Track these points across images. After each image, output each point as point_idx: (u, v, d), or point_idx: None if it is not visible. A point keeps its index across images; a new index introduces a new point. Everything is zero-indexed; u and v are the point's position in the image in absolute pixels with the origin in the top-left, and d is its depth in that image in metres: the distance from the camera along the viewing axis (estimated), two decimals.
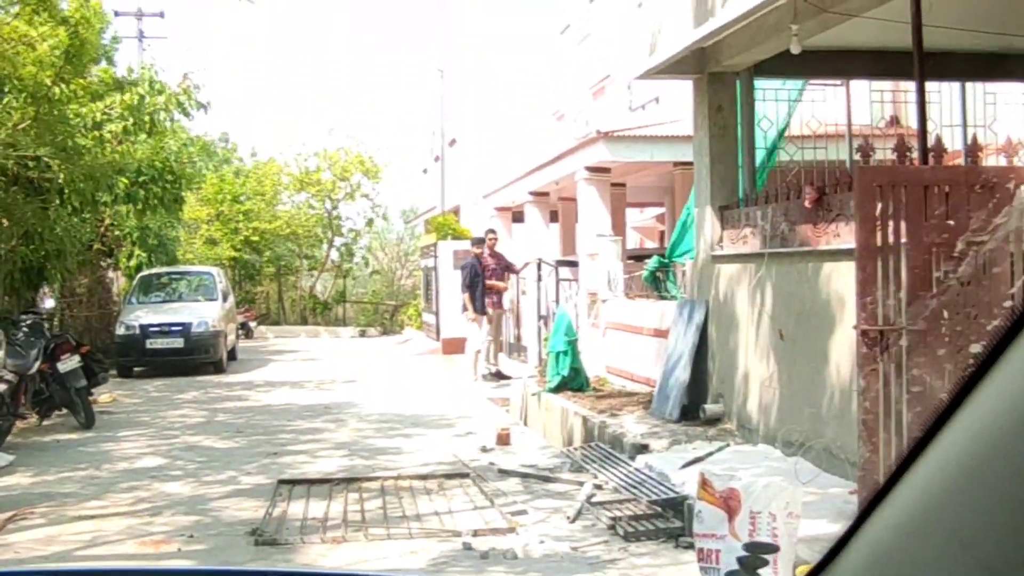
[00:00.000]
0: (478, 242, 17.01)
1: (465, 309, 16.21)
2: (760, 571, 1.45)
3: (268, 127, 79.71)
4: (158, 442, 10.99)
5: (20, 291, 16.29)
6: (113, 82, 14.13)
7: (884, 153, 7.79)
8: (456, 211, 28.92)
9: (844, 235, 6.96)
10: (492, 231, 17.31)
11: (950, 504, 0.98)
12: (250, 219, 33.60)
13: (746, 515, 4.69)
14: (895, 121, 11.17)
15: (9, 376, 10.64)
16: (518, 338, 17.67)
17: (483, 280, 16.17)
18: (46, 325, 12.95)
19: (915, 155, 6.65)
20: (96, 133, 13.39)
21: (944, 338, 5.26)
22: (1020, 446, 0.89)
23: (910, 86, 10.39)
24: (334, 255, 36.82)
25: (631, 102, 19.88)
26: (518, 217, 22.52)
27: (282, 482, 8.38)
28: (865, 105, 10.26)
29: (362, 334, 31.16)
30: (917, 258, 5.33)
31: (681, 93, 11.92)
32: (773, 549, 1.43)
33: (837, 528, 5.48)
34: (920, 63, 6.46)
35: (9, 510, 7.60)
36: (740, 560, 1.46)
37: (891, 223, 5.41)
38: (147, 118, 14.60)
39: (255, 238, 33.58)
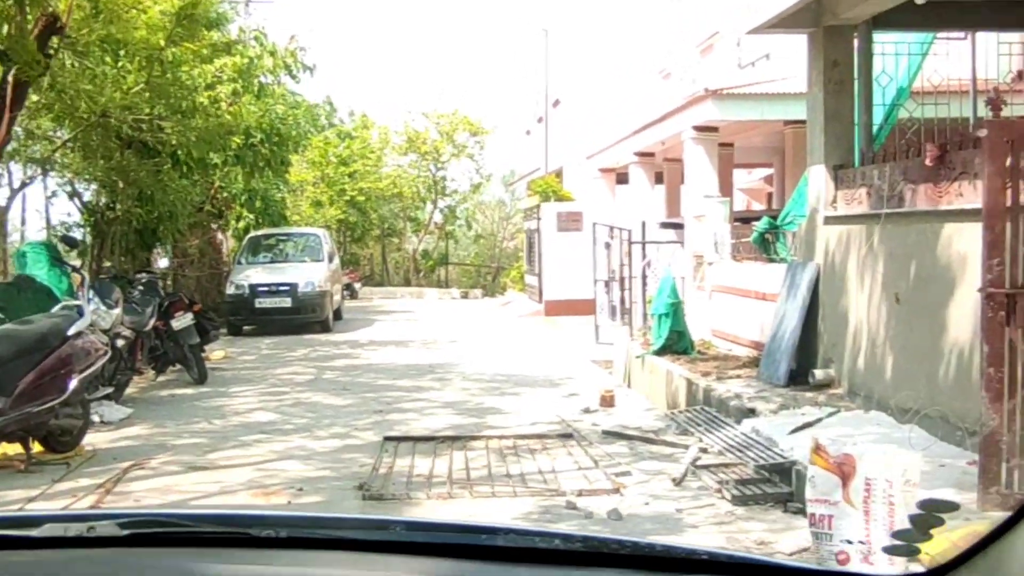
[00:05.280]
0: None
1: None
2: (934, 531, 1.37)
3: (370, 90, 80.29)
4: (268, 398, 11.23)
5: (135, 251, 16.83)
6: (223, 46, 14.34)
7: (1011, 110, 7.43)
8: (559, 173, 28.78)
9: (968, 195, 6.67)
10: None
11: None
12: (355, 180, 33.96)
13: (861, 481, 4.56)
14: (1021, 76, 10.64)
15: (126, 332, 10.99)
16: (622, 300, 17.55)
17: None
18: (160, 284, 13.33)
19: None
20: (209, 94, 13.64)
21: None
22: None
23: None
24: (437, 217, 37.03)
25: (740, 59, 19.44)
26: (622, 178, 22.33)
27: (388, 439, 8.48)
28: (990, 59, 9.79)
29: (464, 296, 31.39)
30: None
31: (794, 48, 11.60)
32: (953, 507, 1.35)
33: (958, 498, 5.29)
34: None
35: (128, 460, 7.86)
36: (912, 518, 1.38)
37: (1022, 181, 5.15)
38: (256, 81, 14.85)
39: (360, 198, 33.93)
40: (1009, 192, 5.13)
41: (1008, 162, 5.12)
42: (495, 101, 73.44)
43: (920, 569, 1.30)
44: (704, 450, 7.66)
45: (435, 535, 1.57)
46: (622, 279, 15.55)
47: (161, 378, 12.37)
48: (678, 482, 6.90)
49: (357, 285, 30.47)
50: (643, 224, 15.58)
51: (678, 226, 16.03)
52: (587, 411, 9.95)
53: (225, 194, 22.10)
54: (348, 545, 1.51)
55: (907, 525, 4.79)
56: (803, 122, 9.99)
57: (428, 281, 35.18)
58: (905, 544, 1.39)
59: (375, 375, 12.91)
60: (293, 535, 1.55)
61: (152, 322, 11.69)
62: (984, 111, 7.19)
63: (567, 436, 8.60)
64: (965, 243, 6.62)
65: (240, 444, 8.62)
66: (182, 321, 12.01)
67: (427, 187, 36.19)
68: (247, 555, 1.51)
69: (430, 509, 6.38)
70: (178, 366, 12.39)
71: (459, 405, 10.50)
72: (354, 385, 12.00)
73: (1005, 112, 7.32)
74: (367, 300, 29.42)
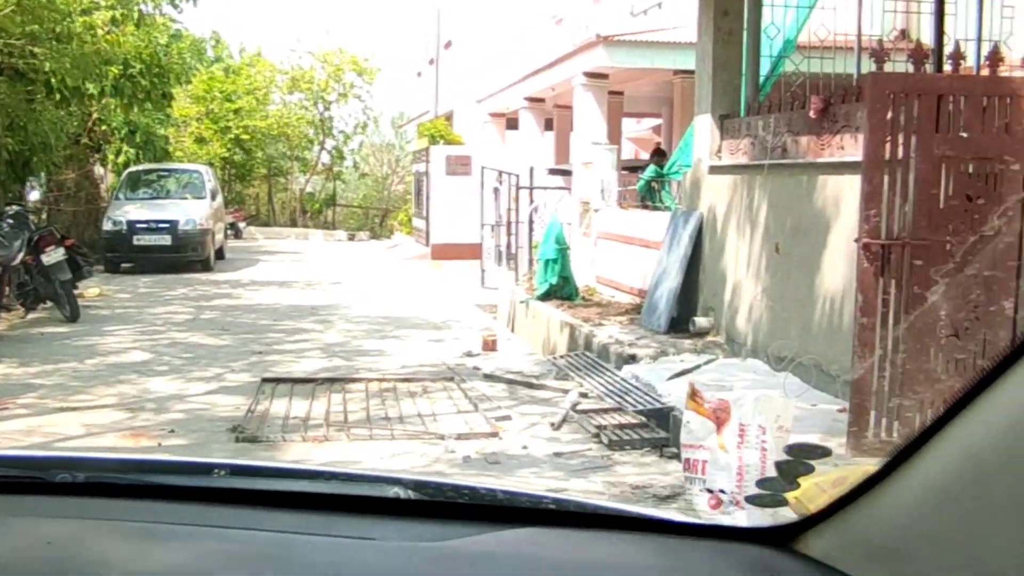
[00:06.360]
0: None
1: None
2: (802, 480, 1.31)
3: (259, 25, 78.08)
4: (144, 338, 10.89)
5: (5, 183, 16.03)
6: None
7: (893, 66, 7.54)
8: (449, 116, 28.49)
9: (849, 148, 6.78)
10: None
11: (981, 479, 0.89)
12: (241, 118, 33.01)
13: (735, 427, 4.62)
14: (904, 35, 10.86)
15: None
16: (508, 245, 17.54)
17: None
18: (31, 218, 12.75)
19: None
20: (84, 20, 13.00)
21: (949, 255, 5.12)
22: None
23: None
24: (325, 158, 36.38)
25: (633, 7, 19.43)
26: (512, 124, 22.24)
27: (265, 380, 8.30)
28: (875, 17, 9.93)
29: (351, 238, 30.99)
30: (926, 171, 5.16)
31: None
32: (824, 453, 1.31)
33: (829, 443, 5.41)
34: None
35: None
36: (779, 465, 1.33)
37: (901, 134, 5.23)
38: (136, 9, 14.21)
39: (245, 136, 33.05)
40: (888, 145, 5.21)
41: (889, 115, 5.19)
42: (387, 41, 72.31)
43: (791, 517, 1.25)
44: (584, 395, 7.70)
45: (259, 481, 1.42)
46: (509, 224, 15.53)
47: (31, 315, 11.88)
48: (557, 426, 6.92)
49: (242, 224, 29.79)
50: (531, 170, 15.54)
51: (566, 172, 16.03)
52: (469, 355, 9.91)
53: (104, 127, 21.24)
54: (158, 492, 1.36)
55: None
56: (692, 72, 10.01)
57: (315, 222, 34.60)
58: (770, 494, 1.34)
59: (256, 316, 12.64)
60: (93, 480, 1.38)
61: (20, 256, 11.20)
62: (868, 66, 7.29)
63: (448, 379, 8.55)
64: (844, 195, 6.74)
65: (111, 384, 8.33)
66: (53, 256, 11.50)
67: (314, 128, 35.46)
68: (32, 503, 1.33)
69: (305, 452, 6.27)
70: (49, 303, 11.90)
71: (340, 347, 10.35)
72: (233, 325, 11.72)
73: (888, 67, 7.44)
74: (252, 240, 28.81)
